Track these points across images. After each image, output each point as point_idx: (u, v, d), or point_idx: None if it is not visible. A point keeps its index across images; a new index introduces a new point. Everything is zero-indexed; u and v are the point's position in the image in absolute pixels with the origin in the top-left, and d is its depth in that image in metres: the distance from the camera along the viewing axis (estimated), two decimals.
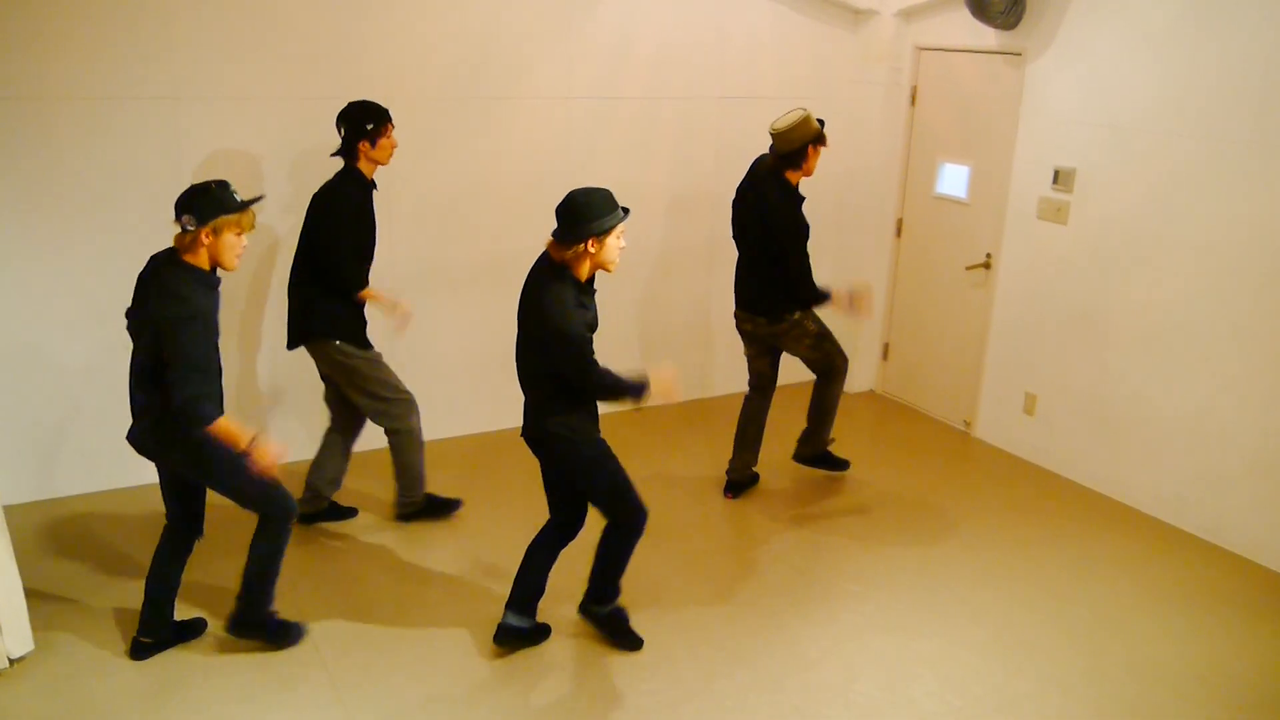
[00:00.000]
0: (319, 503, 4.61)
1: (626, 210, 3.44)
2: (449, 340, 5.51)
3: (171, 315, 3.24)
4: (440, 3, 5.00)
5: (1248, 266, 4.51)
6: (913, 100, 6.10)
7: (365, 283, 4.29)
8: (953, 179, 5.94)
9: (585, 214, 3.35)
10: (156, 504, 4.74)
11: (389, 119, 4.21)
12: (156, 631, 3.68)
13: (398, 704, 3.49)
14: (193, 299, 3.27)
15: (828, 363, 4.88)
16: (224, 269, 3.40)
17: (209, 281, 3.37)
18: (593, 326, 3.48)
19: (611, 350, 5.95)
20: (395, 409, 4.40)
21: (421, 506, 4.70)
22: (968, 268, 5.87)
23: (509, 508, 4.88)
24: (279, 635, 3.73)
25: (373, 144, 4.17)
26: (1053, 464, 5.51)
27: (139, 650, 3.65)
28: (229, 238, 3.33)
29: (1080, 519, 4.99)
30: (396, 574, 4.29)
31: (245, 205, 3.36)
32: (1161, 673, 3.80)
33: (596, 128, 5.57)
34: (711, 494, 5.10)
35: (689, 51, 5.70)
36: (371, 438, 4.82)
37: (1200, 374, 4.75)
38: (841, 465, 5.22)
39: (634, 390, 3.48)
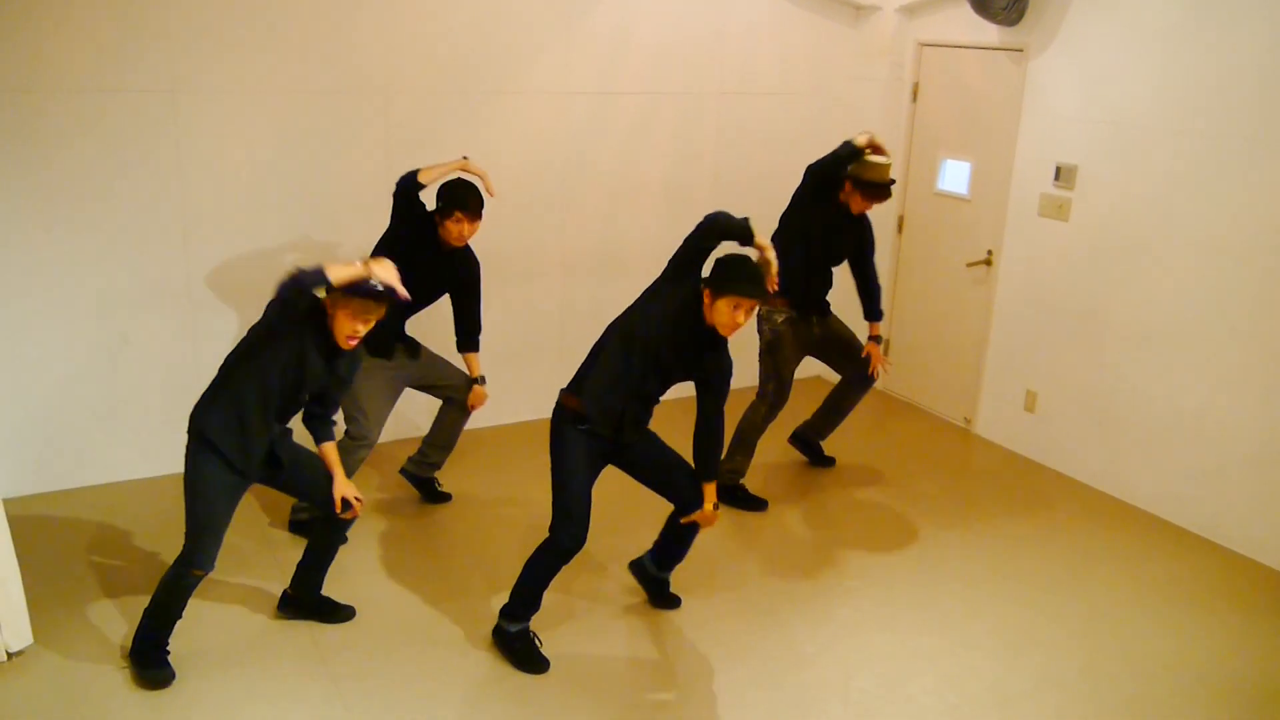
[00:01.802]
0: (424, 469, 4.77)
1: (761, 294, 3.45)
2: (447, 334, 5.49)
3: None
4: None
5: (1249, 263, 4.50)
6: (914, 96, 6.08)
7: None
8: (954, 175, 5.93)
9: (718, 269, 3.47)
10: (157, 498, 4.76)
11: (460, 210, 4.18)
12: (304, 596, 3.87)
13: (398, 700, 3.50)
14: (281, 321, 3.32)
15: (762, 385, 4.97)
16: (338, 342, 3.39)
17: (321, 336, 3.36)
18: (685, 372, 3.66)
19: None
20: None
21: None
22: (969, 264, 5.86)
23: (512, 504, 4.89)
24: (149, 666, 3.51)
25: (440, 220, 4.23)
26: (1052, 461, 5.51)
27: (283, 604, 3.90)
28: (342, 318, 3.31)
29: (1079, 516, 4.99)
30: (397, 569, 4.29)
31: (365, 294, 3.25)
32: (1160, 670, 3.80)
33: (596, 122, 5.56)
34: None
35: (689, 46, 5.69)
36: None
37: (1200, 371, 4.74)
38: (759, 505, 4.98)
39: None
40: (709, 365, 3.62)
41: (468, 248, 4.41)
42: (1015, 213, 5.53)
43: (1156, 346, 4.91)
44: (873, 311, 5.00)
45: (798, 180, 4.76)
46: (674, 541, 3.94)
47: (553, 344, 5.82)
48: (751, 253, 3.57)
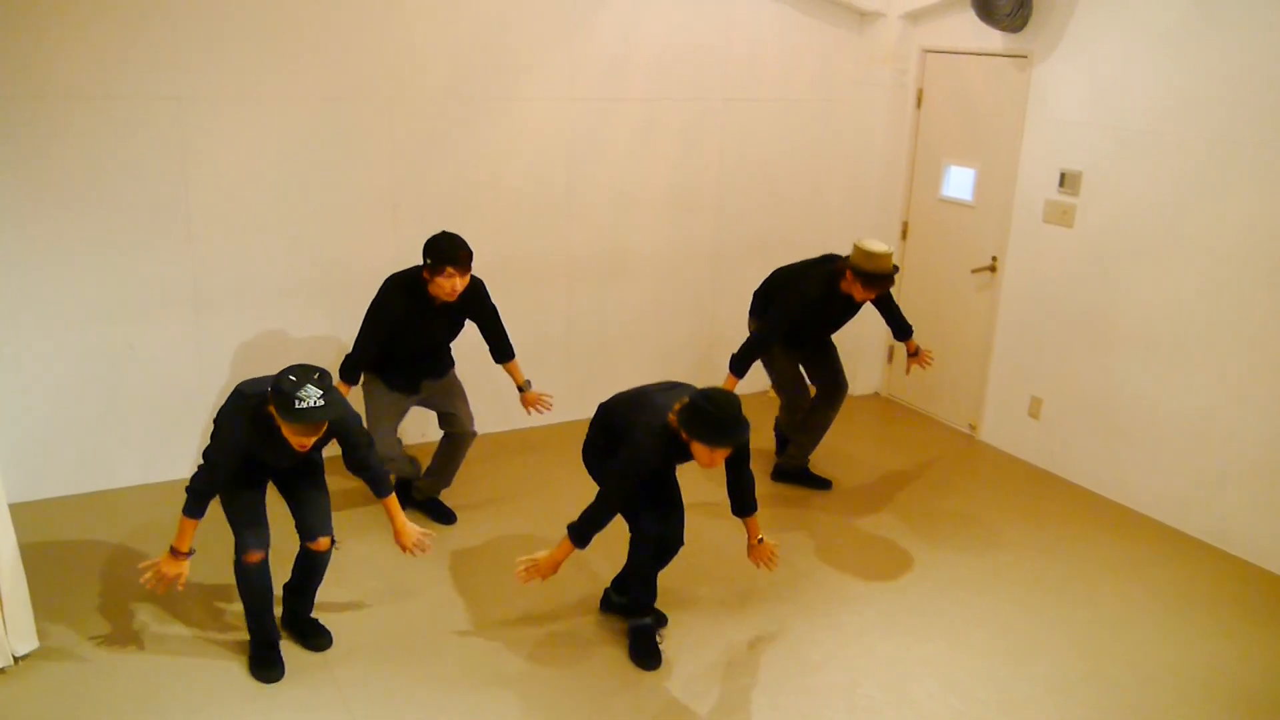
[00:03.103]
0: (420, 494, 4.79)
1: (730, 444, 3.39)
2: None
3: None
4: (445, 3, 5.01)
5: (1254, 270, 4.50)
6: (918, 103, 6.09)
7: (351, 375, 4.33)
8: (958, 182, 5.93)
9: (691, 416, 3.39)
10: (162, 503, 4.77)
11: (448, 264, 4.05)
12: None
13: (402, 704, 3.50)
14: (228, 421, 3.37)
15: (775, 390, 5.20)
16: None
17: (264, 424, 3.32)
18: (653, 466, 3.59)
19: (617, 356, 5.96)
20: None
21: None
22: (973, 271, 5.86)
23: (516, 509, 4.89)
24: (257, 665, 3.64)
25: (430, 275, 4.13)
26: (1057, 467, 5.50)
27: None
28: (287, 433, 3.25)
29: (1084, 522, 4.98)
30: (401, 574, 4.29)
31: (299, 417, 3.15)
32: (1164, 676, 3.79)
33: (600, 129, 5.57)
34: (713, 498, 5.09)
35: (693, 53, 5.70)
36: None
37: (1205, 377, 4.74)
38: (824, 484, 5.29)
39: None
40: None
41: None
42: (1020, 219, 5.53)
43: (1161, 352, 4.91)
44: (901, 332, 5.08)
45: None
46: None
47: (558, 350, 5.83)
48: None
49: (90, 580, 4.14)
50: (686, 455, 3.52)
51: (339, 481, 4.96)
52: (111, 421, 4.81)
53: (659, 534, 3.69)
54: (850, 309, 4.85)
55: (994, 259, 5.73)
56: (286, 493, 3.65)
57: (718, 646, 3.88)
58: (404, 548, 3.64)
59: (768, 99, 6.00)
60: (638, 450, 3.52)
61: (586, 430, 3.90)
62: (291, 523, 3.69)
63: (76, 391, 4.72)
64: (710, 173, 5.97)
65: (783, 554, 4.58)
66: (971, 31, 5.58)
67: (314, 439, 3.29)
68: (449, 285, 4.11)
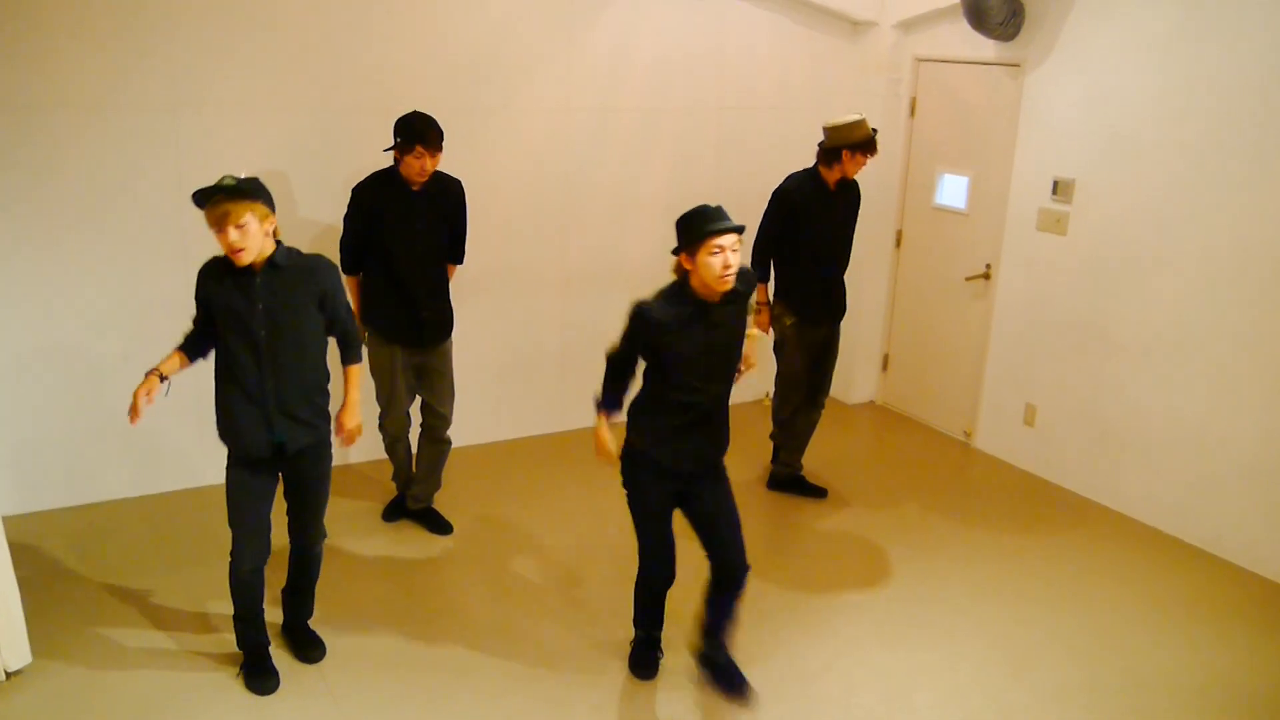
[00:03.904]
0: (415, 503, 4.81)
1: (732, 225, 3.20)
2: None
3: None
4: (440, 14, 5.01)
5: (1247, 276, 4.52)
6: (912, 111, 6.11)
7: (349, 261, 4.38)
8: (952, 190, 5.95)
9: (680, 229, 3.31)
10: (154, 516, 4.76)
11: (418, 142, 4.12)
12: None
13: (397, 716, 3.49)
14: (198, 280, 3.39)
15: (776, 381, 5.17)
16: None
17: (218, 267, 3.33)
18: (700, 348, 3.34)
19: None
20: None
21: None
22: (967, 279, 5.87)
23: (512, 520, 4.88)
24: (250, 674, 3.63)
25: (399, 155, 4.20)
26: (1052, 474, 5.51)
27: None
28: (219, 240, 3.21)
29: (1079, 530, 4.98)
30: (395, 582, 4.28)
31: (205, 196, 3.15)
32: (1160, 684, 3.79)
33: (596, 138, 5.58)
34: None
35: (688, 62, 5.72)
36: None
37: (1200, 384, 4.75)
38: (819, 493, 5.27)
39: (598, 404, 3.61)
40: (741, 311, 3.43)
41: (442, 181, 4.36)
42: (1013, 227, 5.54)
43: (1155, 359, 4.92)
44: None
45: None
46: (712, 610, 3.61)
47: (554, 359, 5.83)
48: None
49: (83, 594, 4.12)
50: (695, 302, 3.30)
51: (339, 484, 4.95)
52: (105, 434, 4.79)
53: (663, 577, 3.57)
54: (843, 209, 4.93)
55: (988, 267, 5.74)
56: (290, 493, 3.60)
57: None
58: (341, 425, 3.56)
59: (762, 107, 6.01)
60: (641, 305, 3.36)
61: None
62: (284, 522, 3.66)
63: (70, 404, 4.70)
64: (706, 181, 5.98)
65: (779, 563, 4.58)
66: (964, 40, 5.60)
67: (240, 231, 3.16)
68: (418, 165, 4.17)
